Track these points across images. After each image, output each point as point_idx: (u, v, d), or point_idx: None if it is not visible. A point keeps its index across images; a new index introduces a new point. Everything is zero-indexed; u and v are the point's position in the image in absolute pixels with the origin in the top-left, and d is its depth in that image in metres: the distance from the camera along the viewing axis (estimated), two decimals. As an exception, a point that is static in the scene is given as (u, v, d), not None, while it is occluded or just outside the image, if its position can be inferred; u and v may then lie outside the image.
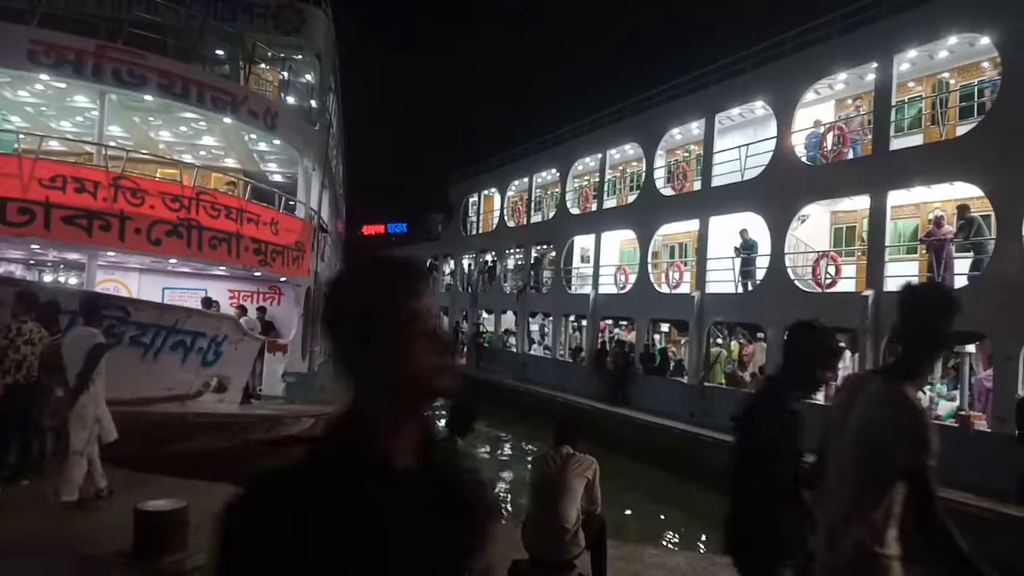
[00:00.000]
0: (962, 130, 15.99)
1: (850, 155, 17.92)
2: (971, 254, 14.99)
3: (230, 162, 22.43)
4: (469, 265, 40.29)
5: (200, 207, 15.38)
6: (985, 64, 16.62)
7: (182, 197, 15.12)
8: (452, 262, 42.33)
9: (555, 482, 5.87)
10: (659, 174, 24.78)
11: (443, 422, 6.21)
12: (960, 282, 14.98)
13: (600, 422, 21.86)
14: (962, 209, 15.07)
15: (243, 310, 18.04)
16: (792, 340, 3.80)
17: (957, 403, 15.39)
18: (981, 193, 14.54)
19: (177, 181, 15.68)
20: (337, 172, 32.79)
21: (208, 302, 17.04)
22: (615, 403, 22.46)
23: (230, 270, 17.37)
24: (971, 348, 15.88)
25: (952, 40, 16.17)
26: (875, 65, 16.98)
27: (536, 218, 33.37)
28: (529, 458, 16.24)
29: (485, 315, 36.43)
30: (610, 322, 27.75)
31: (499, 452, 21.69)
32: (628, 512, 16.16)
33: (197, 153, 21.47)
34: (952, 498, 12.38)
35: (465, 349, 35.98)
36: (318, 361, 20.35)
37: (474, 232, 40.15)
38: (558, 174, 31.23)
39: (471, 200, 41.23)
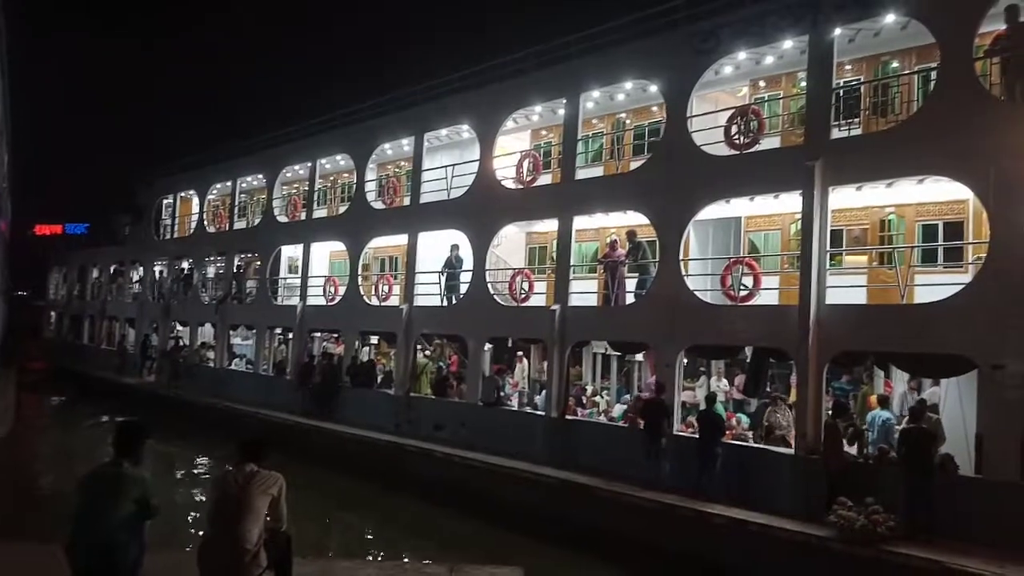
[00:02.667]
0: (635, 165, 18.20)
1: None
2: (638, 274, 17.03)
3: None
4: (162, 272, 37.02)
5: None
6: (655, 108, 19.04)
7: None
8: (141, 269, 38.53)
9: (236, 501, 5.63)
10: (371, 187, 24.88)
11: (111, 443, 5.68)
12: (630, 298, 17.00)
13: (304, 437, 21.33)
14: (631, 234, 17.11)
15: None
16: None
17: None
18: (648, 221, 16.61)
19: None
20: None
21: None
22: (321, 417, 22.04)
23: None
24: (639, 357, 18.06)
25: (628, 85, 18.32)
26: (565, 101, 18.68)
27: (240, 225, 31.67)
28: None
29: (180, 328, 33.70)
30: (318, 335, 27.17)
31: (184, 474, 20.22)
32: (328, 526, 15.94)
33: None
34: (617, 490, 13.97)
35: (156, 365, 32.98)
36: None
37: (168, 236, 36.96)
38: (265, 180, 29.98)
39: (165, 202, 37.95)
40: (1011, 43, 12.10)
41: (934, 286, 12.72)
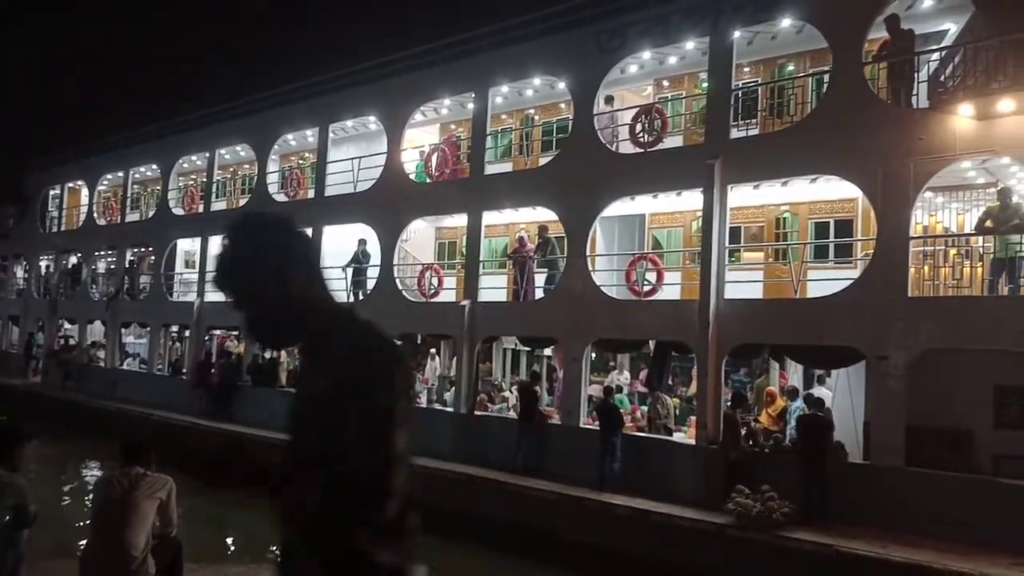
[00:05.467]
0: (544, 161, 18.30)
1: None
2: (547, 269, 17.14)
3: None
4: (48, 267, 34.88)
5: None
6: (563, 105, 19.15)
7: None
8: (26, 263, 36.18)
9: (121, 505, 5.31)
10: (273, 179, 24.13)
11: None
12: (539, 294, 17.08)
13: (200, 439, 20.49)
14: (541, 230, 17.20)
15: None
16: None
17: (548, 399, 17.48)
18: (556, 217, 16.71)
19: None
20: None
21: None
22: (220, 418, 21.22)
23: None
24: (548, 351, 18.18)
25: (537, 81, 18.38)
26: (473, 95, 18.59)
27: (133, 217, 30.15)
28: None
29: (68, 325, 31.84)
30: (218, 332, 26.14)
31: (72, 479, 19.12)
32: (223, 531, 15.37)
33: None
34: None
35: (41, 365, 31.06)
36: None
37: (55, 229, 34.83)
38: (160, 170, 28.63)
39: (52, 192, 35.76)
40: (895, 49, 12.73)
41: (826, 281, 13.31)
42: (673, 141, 16.14)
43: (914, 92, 12.77)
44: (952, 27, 13.70)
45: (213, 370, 22.73)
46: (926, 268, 13.31)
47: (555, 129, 19.41)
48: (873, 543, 10.41)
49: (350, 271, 20.37)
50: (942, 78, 13.05)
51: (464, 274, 18.19)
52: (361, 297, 20.26)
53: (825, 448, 11.75)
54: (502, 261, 19.17)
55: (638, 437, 14.36)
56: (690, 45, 15.46)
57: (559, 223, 16.64)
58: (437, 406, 18.53)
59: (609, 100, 16.91)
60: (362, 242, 20.41)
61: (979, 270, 12.82)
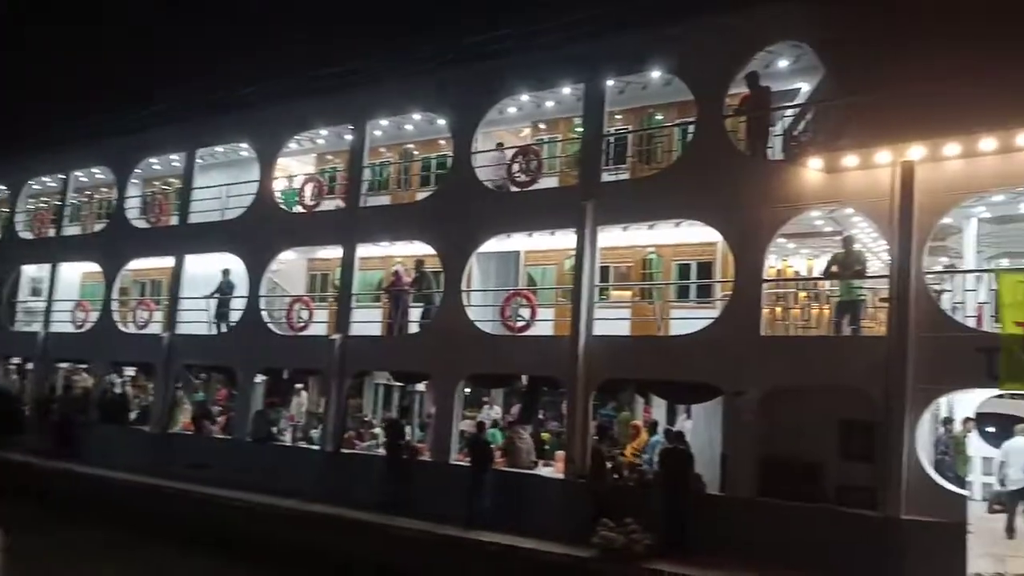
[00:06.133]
0: (422, 195, 18.28)
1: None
2: (423, 304, 17.00)
3: None
4: None
5: None
6: (442, 141, 19.20)
7: None
8: None
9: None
10: (133, 203, 22.85)
11: None
12: (414, 328, 16.89)
13: (43, 481, 18.86)
14: (418, 264, 17.06)
15: None
16: None
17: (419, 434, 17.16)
18: (434, 251, 16.66)
19: None
20: None
21: None
22: (63, 457, 19.55)
23: None
24: (421, 387, 17.93)
25: (416, 116, 18.44)
26: (351, 127, 18.39)
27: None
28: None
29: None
30: (65, 365, 24.17)
31: None
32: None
33: None
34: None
35: None
36: None
37: None
38: (7, 191, 26.52)
39: None
40: (754, 104, 13.63)
41: (687, 320, 13.88)
42: (548, 182, 16.53)
43: (770, 145, 13.69)
44: (805, 86, 14.82)
45: (54, 405, 20.98)
46: (778, 309, 14.15)
47: (434, 164, 19.47)
48: (728, 571, 10.77)
49: (213, 302, 19.45)
50: (795, 133, 14.08)
51: (336, 307, 17.75)
52: (224, 329, 19.37)
53: (685, 480, 12.12)
54: (377, 295, 18.88)
55: (508, 472, 14.32)
56: (567, 90, 16.01)
57: (436, 258, 16.60)
58: (303, 443, 17.83)
59: (499, 146, 17.16)
60: (226, 272, 19.54)
61: (825, 312, 13.74)
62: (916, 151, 11.26)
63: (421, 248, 17.21)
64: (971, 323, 12.01)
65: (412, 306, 17.14)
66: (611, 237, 15.34)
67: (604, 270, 15.65)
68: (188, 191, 21.01)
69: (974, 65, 10.44)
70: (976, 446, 15.38)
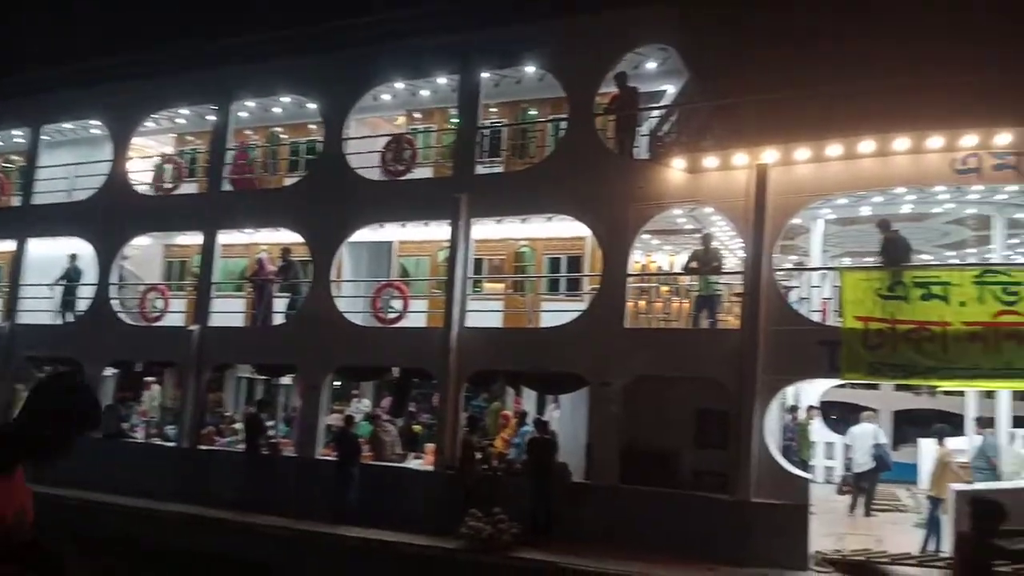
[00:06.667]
0: (290, 181, 17.67)
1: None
2: (289, 294, 16.45)
3: None
4: None
5: None
6: (313, 126, 18.59)
7: None
8: None
9: None
10: (-33, 182, 20.83)
11: None
12: (279, 319, 16.32)
13: None
14: (284, 252, 16.47)
15: None
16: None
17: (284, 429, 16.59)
18: (302, 240, 16.14)
19: None
20: None
21: None
22: None
23: None
24: (287, 379, 17.37)
25: (286, 99, 17.76)
26: (215, 107, 17.52)
27: None
28: None
29: None
30: None
31: None
32: None
33: None
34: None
35: None
36: None
37: None
38: None
39: None
40: (622, 104, 14.02)
41: (557, 312, 14.14)
42: (423, 172, 16.37)
43: (636, 144, 14.12)
44: (670, 89, 15.39)
45: None
46: (642, 302, 14.67)
47: (304, 149, 18.86)
48: (592, 557, 11.04)
49: (59, 290, 18.06)
50: (660, 134, 14.60)
51: (195, 296, 16.90)
52: (71, 319, 18.04)
53: (550, 469, 12.34)
54: (239, 284, 18.11)
55: (376, 466, 14.12)
56: (442, 80, 15.88)
57: (304, 246, 16.09)
58: (157, 440, 16.87)
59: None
60: (73, 257, 18.18)
61: (685, 305, 14.37)
62: (770, 155, 11.94)
63: (288, 236, 16.64)
64: (816, 317, 12.85)
65: (277, 296, 16.56)
66: (485, 230, 15.39)
67: (478, 262, 15.70)
68: (32, 170, 19.37)
69: (825, 75, 11.18)
70: (819, 433, 16.60)
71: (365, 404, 17.11)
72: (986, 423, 12.58)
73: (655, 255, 16.49)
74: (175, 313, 17.36)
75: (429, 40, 15.27)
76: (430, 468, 13.82)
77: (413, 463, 14.50)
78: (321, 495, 13.58)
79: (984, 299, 10.65)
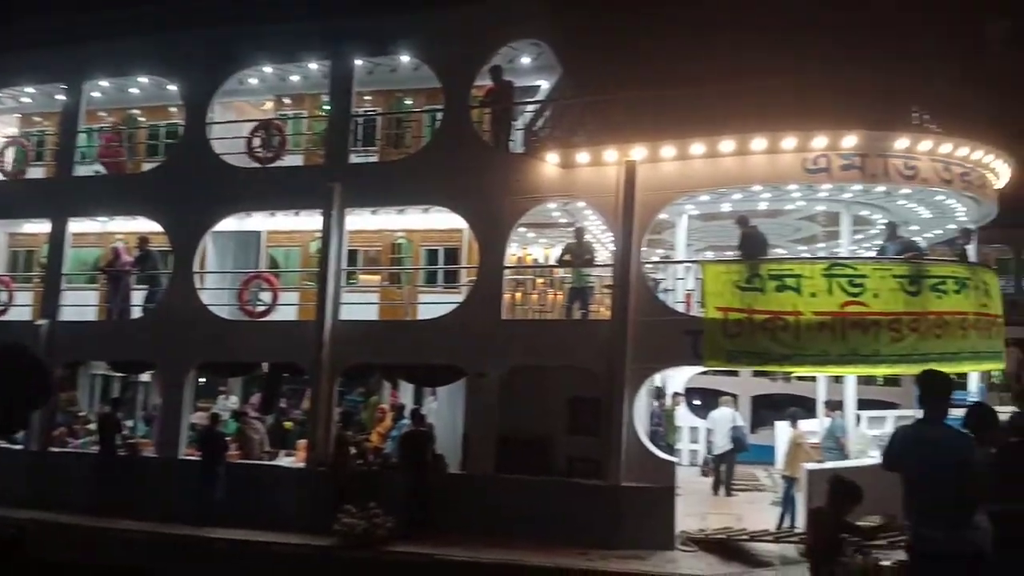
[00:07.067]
0: (149, 167, 16.68)
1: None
2: (148, 286, 15.53)
3: None
4: None
5: None
6: (173, 109, 17.59)
7: None
8: None
9: None
10: None
11: None
12: (137, 312, 15.40)
13: None
14: (142, 242, 15.51)
15: None
16: None
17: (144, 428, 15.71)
18: (161, 229, 15.27)
19: None
20: None
21: None
22: None
23: None
24: (146, 376, 16.44)
25: (143, 79, 16.70)
26: (64, 86, 16.27)
27: None
28: None
29: None
30: None
31: None
32: None
33: None
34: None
35: None
36: None
37: None
38: None
39: None
40: (497, 97, 14.08)
41: (435, 304, 14.08)
42: (293, 160, 15.85)
43: (512, 138, 14.23)
44: (545, 84, 15.59)
45: None
46: (518, 294, 14.85)
47: (164, 133, 17.85)
48: (468, 548, 11.11)
49: None
50: (535, 128, 14.78)
51: (43, 289, 15.69)
52: None
53: (424, 461, 12.30)
54: (93, 275, 16.95)
55: (244, 464, 13.61)
56: (313, 66, 15.40)
57: (164, 236, 15.24)
58: (1, 443, 15.54)
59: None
60: None
61: (560, 297, 14.66)
62: (638, 152, 12.33)
63: (146, 225, 15.69)
64: (681, 308, 13.41)
65: (135, 288, 15.61)
66: (360, 220, 15.09)
67: (353, 254, 15.40)
68: None
69: (690, 75, 11.67)
70: (684, 418, 17.40)
71: (233, 401, 16.45)
72: (835, 406, 13.49)
73: (531, 248, 16.71)
74: (21, 307, 16.06)
75: (299, 24, 14.78)
76: (302, 465, 13.45)
77: (284, 461, 14.08)
78: (185, 497, 12.95)
79: (832, 291, 11.46)
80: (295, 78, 16.26)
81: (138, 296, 15.55)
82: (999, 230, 18.80)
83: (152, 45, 15.64)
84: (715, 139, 12.04)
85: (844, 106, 12.10)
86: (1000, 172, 13.48)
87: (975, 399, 14.47)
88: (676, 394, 16.47)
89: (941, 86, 12.69)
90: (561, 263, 14.11)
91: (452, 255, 15.92)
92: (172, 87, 16.09)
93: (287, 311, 14.91)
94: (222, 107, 15.97)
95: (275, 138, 15.12)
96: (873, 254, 14.26)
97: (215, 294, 15.32)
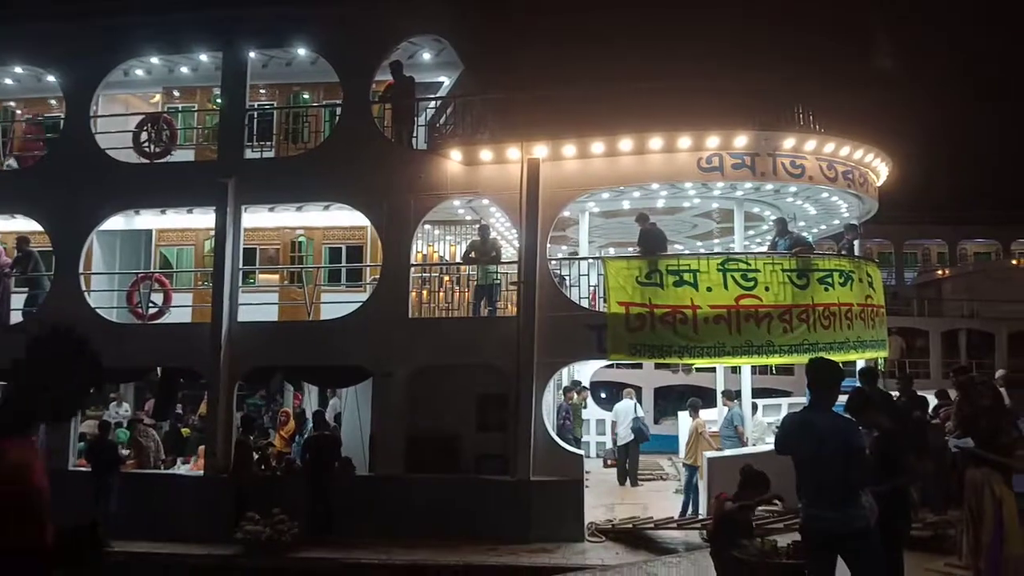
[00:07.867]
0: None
1: None
2: (28, 289, 14.60)
3: None
4: None
5: None
6: (53, 101, 16.55)
7: None
8: None
9: None
10: None
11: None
12: (16, 317, 14.44)
13: None
14: (21, 242, 14.53)
15: None
16: None
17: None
18: (41, 228, 14.37)
19: None
20: None
21: None
22: None
23: None
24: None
25: (18, 70, 15.63)
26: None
27: None
28: None
29: None
30: None
31: None
32: None
33: None
34: None
35: None
36: None
37: None
38: None
39: None
40: (397, 93, 13.92)
41: (338, 304, 13.79)
42: (184, 155, 15.20)
43: (414, 135, 14.09)
44: (447, 80, 15.50)
45: None
46: (424, 292, 14.74)
47: (44, 127, 16.73)
48: (378, 550, 11.00)
49: None
50: (437, 125, 14.70)
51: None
52: None
53: (329, 464, 12.06)
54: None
55: (138, 475, 12.98)
56: (204, 58, 14.80)
57: (45, 235, 14.33)
58: None
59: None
60: None
61: (466, 295, 14.64)
62: (540, 150, 12.48)
63: (25, 224, 14.72)
64: (585, 304, 13.64)
65: (14, 292, 14.62)
66: (257, 218, 14.65)
67: (250, 252, 14.90)
68: None
69: (590, 76, 11.88)
70: (590, 410, 17.74)
71: (125, 409, 15.65)
72: (732, 396, 14.03)
73: (437, 245, 16.60)
74: None
75: (187, 13, 14.18)
76: (200, 473, 12.95)
77: (181, 469, 13.52)
78: (76, 511, 12.21)
79: (727, 285, 11.94)
80: (184, 70, 15.59)
81: (18, 300, 14.56)
82: (879, 225, 20.02)
83: (27, 34, 14.67)
84: (614, 138, 12.31)
85: (736, 107, 12.61)
86: (880, 171, 14.37)
87: (856, 385, 15.38)
88: (583, 387, 16.76)
89: (824, 89, 13.41)
90: (466, 260, 14.09)
91: (356, 253, 15.60)
92: (51, 78, 15.12)
93: (181, 313, 14.32)
94: (106, 100, 15.14)
95: (164, 132, 14.46)
96: (765, 249, 14.88)
97: (103, 296, 14.54)
